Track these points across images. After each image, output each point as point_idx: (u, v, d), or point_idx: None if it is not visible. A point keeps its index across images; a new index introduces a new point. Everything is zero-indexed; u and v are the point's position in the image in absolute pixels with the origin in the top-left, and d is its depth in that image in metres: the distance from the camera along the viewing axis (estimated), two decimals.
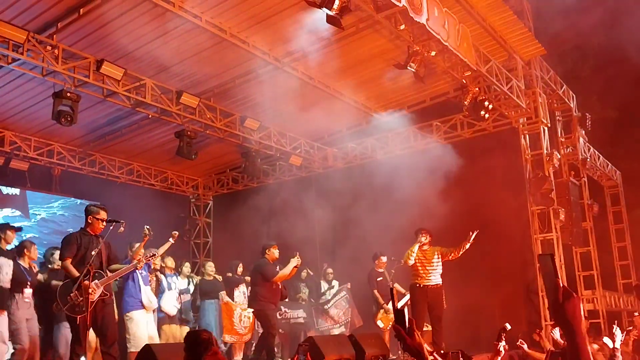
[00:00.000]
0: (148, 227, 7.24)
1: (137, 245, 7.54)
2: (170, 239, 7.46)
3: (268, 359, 7.60)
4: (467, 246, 8.00)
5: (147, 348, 5.95)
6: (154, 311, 8.40)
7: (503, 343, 4.22)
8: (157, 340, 8.09)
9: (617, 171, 15.96)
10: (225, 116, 11.47)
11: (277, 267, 8.25)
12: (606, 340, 6.07)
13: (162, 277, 9.13)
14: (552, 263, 1.69)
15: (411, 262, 8.07)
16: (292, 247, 9.41)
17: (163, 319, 9.02)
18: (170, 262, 9.49)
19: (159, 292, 8.91)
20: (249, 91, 10.87)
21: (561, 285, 1.65)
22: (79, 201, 13.01)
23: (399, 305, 1.97)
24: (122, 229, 6.31)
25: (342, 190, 12.21)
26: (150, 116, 10.93)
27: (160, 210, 13.10)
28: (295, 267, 7.99)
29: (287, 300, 9.56)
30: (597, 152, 14.55)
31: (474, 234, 7.91)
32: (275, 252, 8.10)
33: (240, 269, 10.21)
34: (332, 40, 9.20)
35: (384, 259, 9.86)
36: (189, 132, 11.18)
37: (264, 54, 9.68)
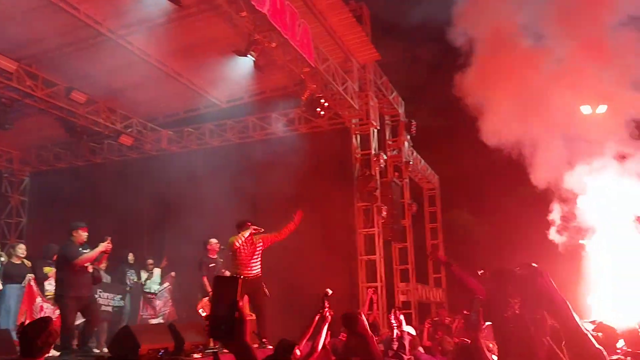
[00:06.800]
0: None
1: None
2: None
3: (65, 351, 6.95)
4: (292, 228, 7.96)
5: None
6: None
7: (327, 308, 4.41)
8: None
9: (436, 175, 17.46)
10: (48, 86, 10.50)
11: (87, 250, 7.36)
12: (408, 328, 6.59)
13: None
14: (237, 285, 1.69)
15: (238, 244, 7.90)
16: (119, 231, 8.91)
17: None
18: None
19: None
20: (78, 62, 10.08)
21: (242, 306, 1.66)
22: None
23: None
24: None
25: (175, 175, 11.87)
26: None
27: None
28: (104, 252, 7.36)
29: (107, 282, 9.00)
30: (419, 157, 15.77)
31: (298, 214, 7.84)
32: (83, 234, 7.18)
33: None
34: (171, 18, 8.85)
35: (214, 240, 9.55)
36: (3, 100, 10.08)
37: (97, 23, 9.05)
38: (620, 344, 3.64)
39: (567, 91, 8.81)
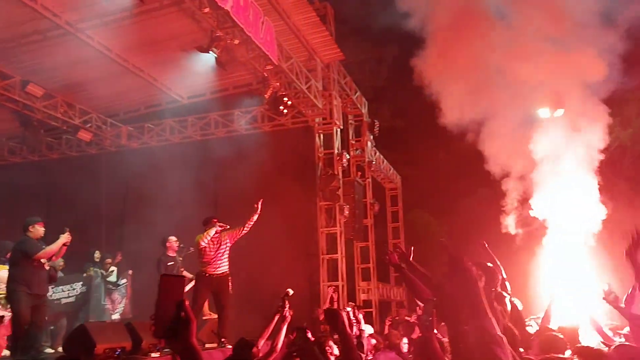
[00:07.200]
0: None
1: None
2: None
3: (16, 351, 6.68)
4: (255, 218, 7.82)
5: None
6: None
7: (287, 308, 4.43)
8: None
9: (398, 175, 17.63)
10: (2, 78, 10.19)
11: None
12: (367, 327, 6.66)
13: None
14: (183, 285, 1.68)
15: (204, 244, 7.76)
16: (77, 229, 8.63)
17: None
18: None
19: None
20: (35, 54, 9.80)
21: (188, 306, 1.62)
22: None
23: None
24: None
25: (135, 171, 11.65)
26: None
27: None
28: (64, 244, 7.16)
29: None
30: (382, 157, 15.90)
31: (260, 204, 7.67)
32: (40, 230, 6.99)
33: None
34: (133, 13, 8.71)
35: (174, 238, 9.38)
36: None
37: (55, 15, 8.81)
38: (568, 353, 3.72)
39: (525, 69, 8.78)
